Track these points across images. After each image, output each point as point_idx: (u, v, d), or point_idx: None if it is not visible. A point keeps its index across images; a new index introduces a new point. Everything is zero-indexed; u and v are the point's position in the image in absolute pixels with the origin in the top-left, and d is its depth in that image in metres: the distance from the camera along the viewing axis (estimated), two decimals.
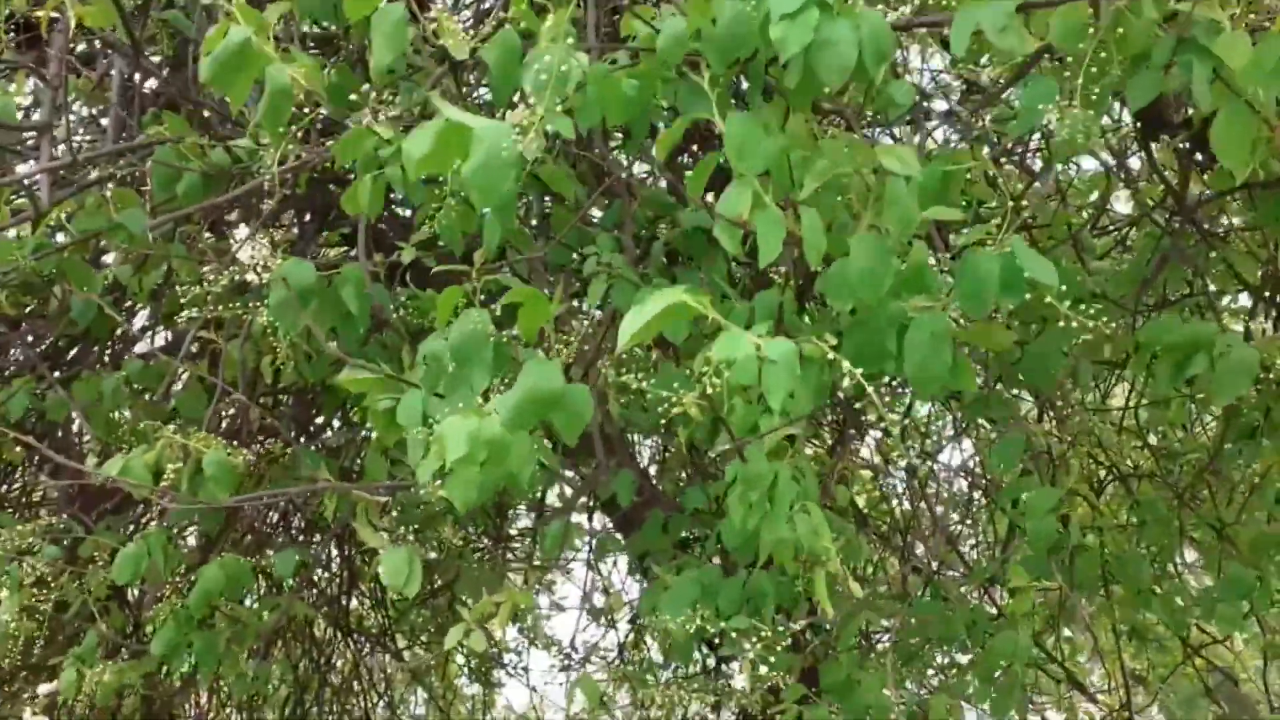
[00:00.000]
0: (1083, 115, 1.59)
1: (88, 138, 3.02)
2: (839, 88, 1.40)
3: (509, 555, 4.24)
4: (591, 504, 3.18)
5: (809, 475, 1.84)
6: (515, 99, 1.50)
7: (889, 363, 1.52)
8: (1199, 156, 2.27)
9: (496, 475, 1.63)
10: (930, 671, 3.42)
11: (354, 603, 5.19)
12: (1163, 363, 1.95)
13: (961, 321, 1.56)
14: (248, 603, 3.02)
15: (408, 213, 2.85)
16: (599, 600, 4.66)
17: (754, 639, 1.89)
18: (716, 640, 2.57)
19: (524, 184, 1.96)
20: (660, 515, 2.90)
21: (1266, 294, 2.41)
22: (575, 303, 2.33)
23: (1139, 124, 2.34)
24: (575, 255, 2.20)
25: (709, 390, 1.36)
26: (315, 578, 4.63)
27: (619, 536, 3.38)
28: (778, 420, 1.36)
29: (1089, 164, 2.98)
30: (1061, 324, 1.51)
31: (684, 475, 3.10)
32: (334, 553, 4.45)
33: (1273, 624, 4.16)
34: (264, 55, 1.56)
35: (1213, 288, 2.62)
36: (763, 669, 2.04)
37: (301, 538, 4.02)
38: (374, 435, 3.32)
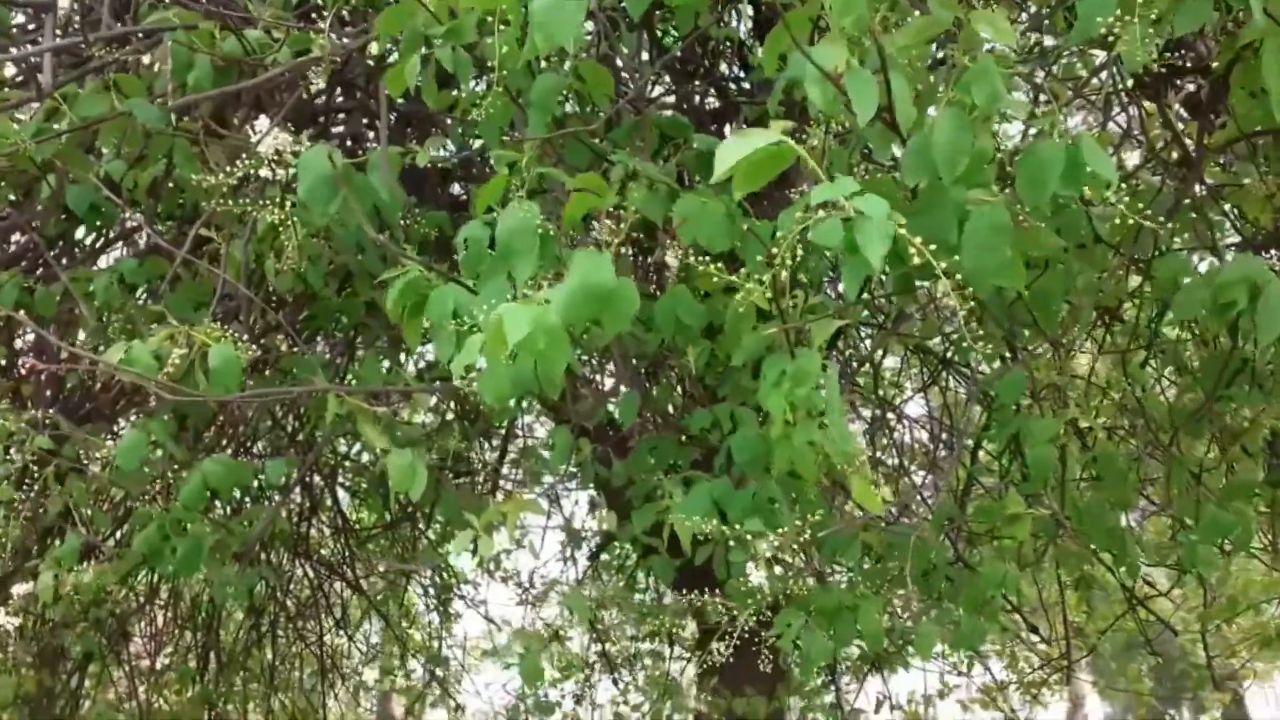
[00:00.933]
0: (1141, 28, 1.61)
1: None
2: None
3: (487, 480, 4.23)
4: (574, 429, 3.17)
5: (834, 378, 1.86)
6: None
7: (951, 250, 1.52)
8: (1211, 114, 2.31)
9: (530, 372, 1.63)
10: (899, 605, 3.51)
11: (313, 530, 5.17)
12: (1210, 302, 1.96)
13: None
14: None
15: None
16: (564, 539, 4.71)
17: (771, 539, 1.91)
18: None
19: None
20: (650, 441, 2.92)
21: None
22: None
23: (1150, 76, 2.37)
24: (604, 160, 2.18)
25: (790, 253, 1.33)
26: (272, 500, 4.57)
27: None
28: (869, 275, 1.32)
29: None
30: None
31: (680, 399, 3.10)
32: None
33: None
34: None
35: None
36: (777, 569, 2.07)
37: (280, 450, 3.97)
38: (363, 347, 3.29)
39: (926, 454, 4.86)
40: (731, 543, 2.00)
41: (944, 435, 4.68)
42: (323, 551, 5.34)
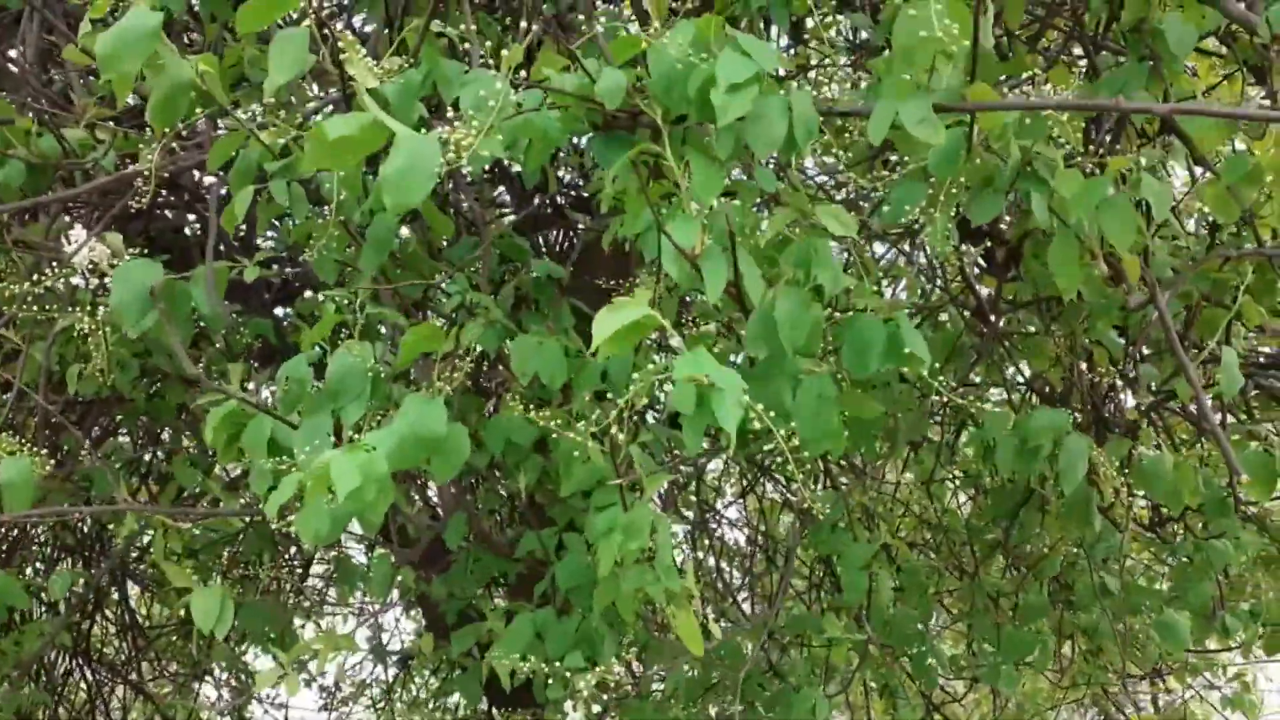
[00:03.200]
0: (942, 218, 1.78)
1: None
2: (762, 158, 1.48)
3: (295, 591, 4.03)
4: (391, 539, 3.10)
5: (665, 522, 1.90)
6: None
7: (787, 417, 1.59)
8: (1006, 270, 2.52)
9: (351, 509, 1.60)
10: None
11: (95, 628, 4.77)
12: (1016, 449, 2.13)
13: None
14: None
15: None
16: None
17: (588, 678, 1.91)
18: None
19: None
20: (471, 555, 2.87)
21: (1046, 389, 2.71)
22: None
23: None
24: (437, 290, 2.18)
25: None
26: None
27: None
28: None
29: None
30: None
31: (502, 519, 3.07)
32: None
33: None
34: (165, 43, 1.47)
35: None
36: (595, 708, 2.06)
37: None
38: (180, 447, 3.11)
39: (744, 559, 4.99)
40: (549, 679, 1.99)
41: (759, 540, 4.83)
42: (106, 651, 4.95)
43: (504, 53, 1.42)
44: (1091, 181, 1.71)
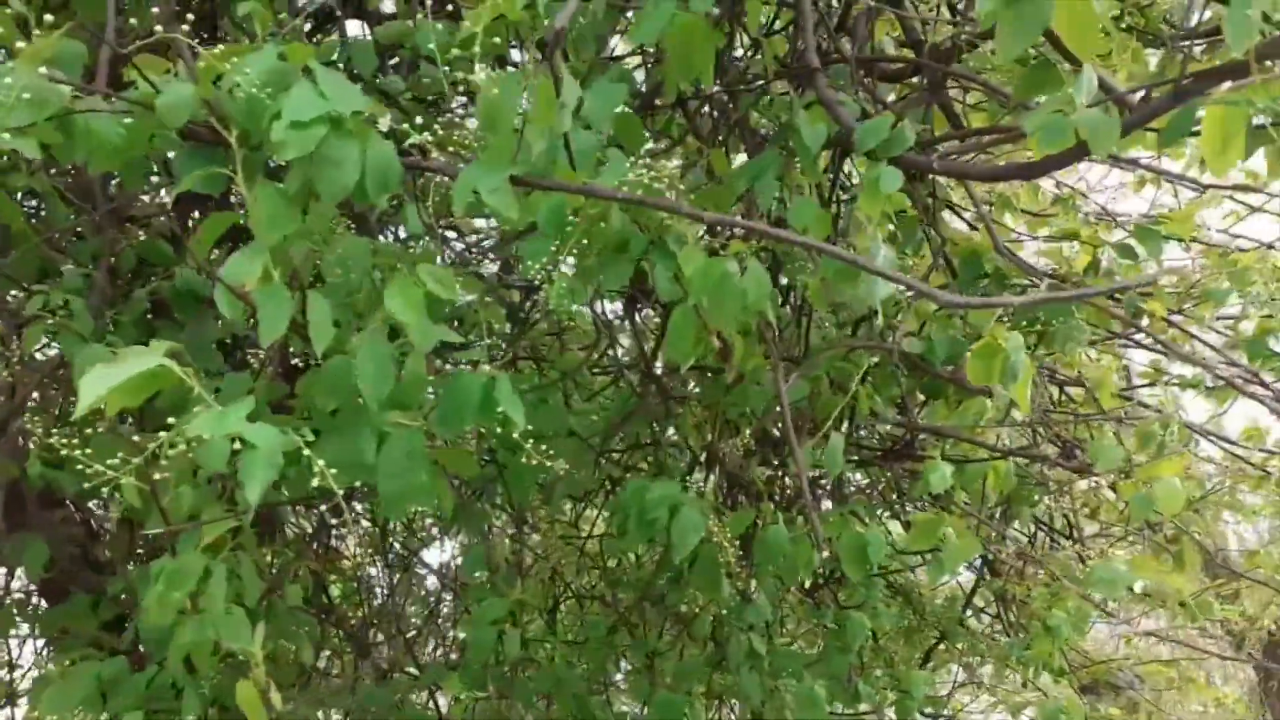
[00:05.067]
0: (572, 278, 1.77)
1: None
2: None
3: None
4: None
5: (250, 571, 1.77)
6: None
7: (367, 472, 1.51)
8: None
9: None
10: None
11: None
12: (636, 519, 2.14)
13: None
14: None
15: None
16: None
17: None
18: None
19: None
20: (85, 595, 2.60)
21: (704, 458, 2.77)
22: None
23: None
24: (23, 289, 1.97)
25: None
26: None
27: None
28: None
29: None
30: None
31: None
32: None
33: None
34: None
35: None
36: None
37: None
38: None
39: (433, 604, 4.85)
40: None
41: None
42: None
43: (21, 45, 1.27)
44: (712, 261, 1.75)
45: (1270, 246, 2.70)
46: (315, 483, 1.35)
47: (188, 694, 1.87)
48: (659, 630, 3.47)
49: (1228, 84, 1.26)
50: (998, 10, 1.26)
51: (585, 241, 1.67)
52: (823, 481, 3.02)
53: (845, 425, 2.58)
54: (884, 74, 2.39)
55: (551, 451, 1.65)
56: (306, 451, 1.36)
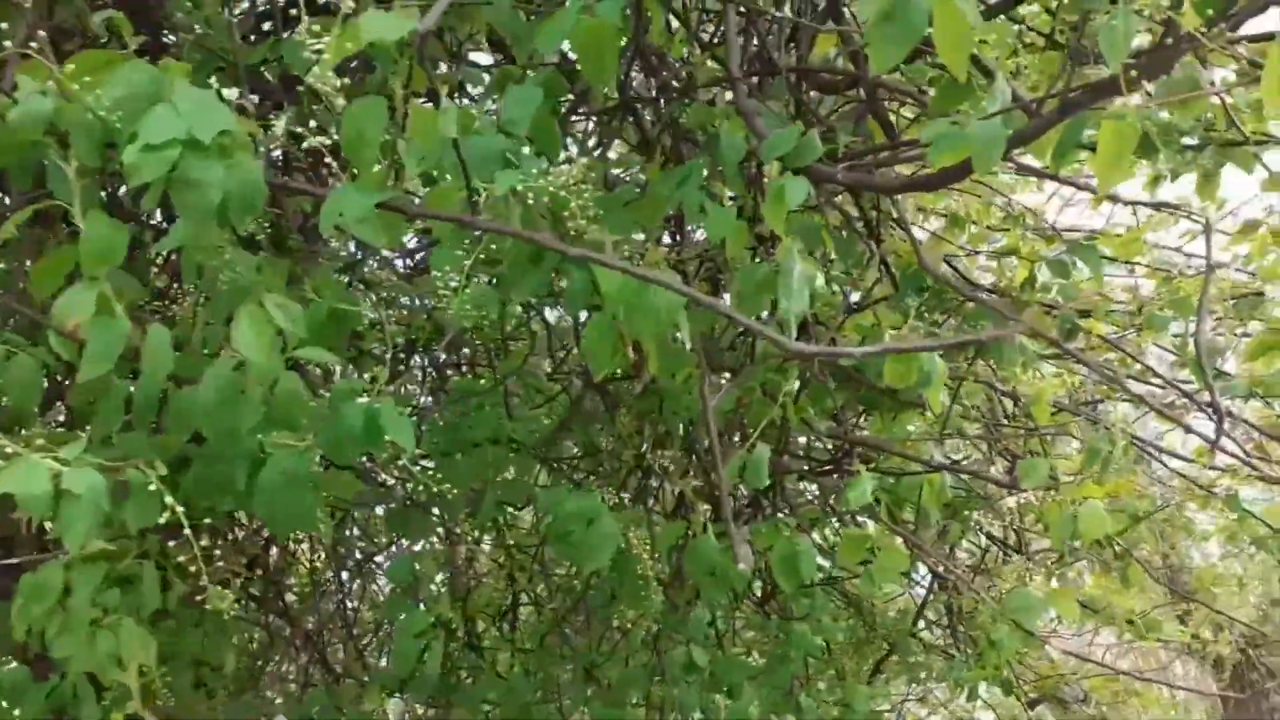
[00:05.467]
0: (486, 290, 1.75)
1: None
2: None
3: None
4: None
5: (151, 581, 1.74)
6: None
7: (236, 498, 1.47)
8: None
9: None
10: None
11: None
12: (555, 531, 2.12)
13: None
14: None
15: None
16: None
17: None
18: None
19: None
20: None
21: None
22: None
23: None
24: None
25: None
26: None
27: None
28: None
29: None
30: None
31: None
32: None
33: None
34: None
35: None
36: None
37: None
38: None
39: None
40: None
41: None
42: None
43: None
44: (626, 279, 1.72)
45: (1214, 269, 2.70)
46: (163, 518, 1.34)
47: (85, 705, 1.84)
48: (598, 639, 3.44)
49: (1118, 100, 1.25)
50: (874, 23, 1.25)
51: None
52: (768, 492, 3.01)
53: (782, 437, 2.56)
54: (822, 85, 2.38)
55: (440, 475, 1.62)
56: (153, 486, 1.35)
